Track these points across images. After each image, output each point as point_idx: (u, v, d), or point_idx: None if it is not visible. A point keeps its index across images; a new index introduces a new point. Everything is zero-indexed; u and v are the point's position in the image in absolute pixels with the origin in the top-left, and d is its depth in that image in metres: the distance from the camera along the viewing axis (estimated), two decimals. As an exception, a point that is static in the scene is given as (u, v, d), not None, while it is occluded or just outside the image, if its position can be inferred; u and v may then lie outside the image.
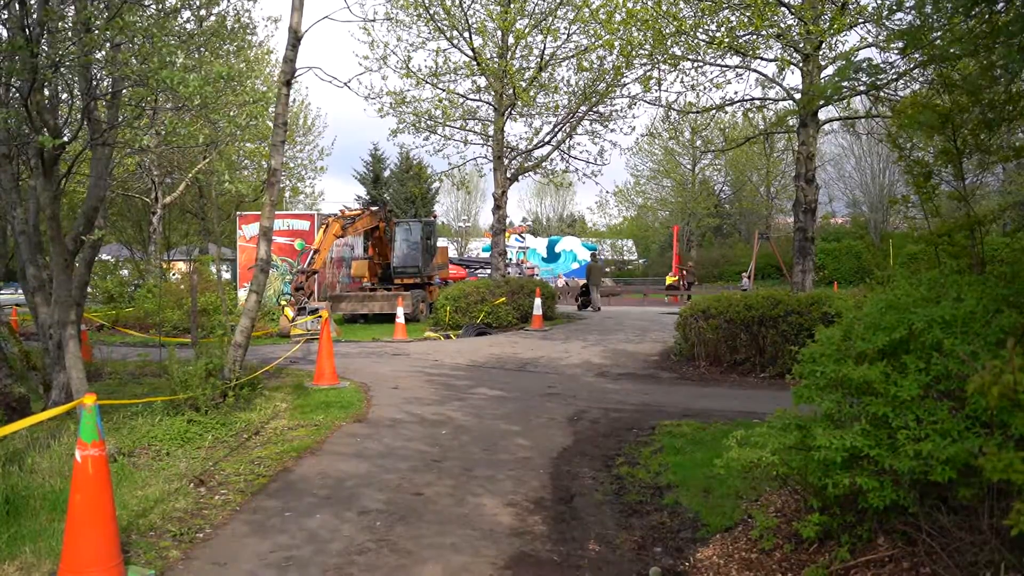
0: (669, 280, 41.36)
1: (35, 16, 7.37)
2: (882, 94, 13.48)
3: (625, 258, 60.92)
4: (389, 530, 5.52)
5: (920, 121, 4.90)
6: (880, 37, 12.85)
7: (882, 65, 5.10)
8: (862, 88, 6.55)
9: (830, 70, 14.40)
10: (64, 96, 8.47)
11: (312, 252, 20.66)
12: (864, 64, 5.14)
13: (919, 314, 4.28)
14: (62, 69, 7.31)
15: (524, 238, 58.02)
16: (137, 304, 23.04)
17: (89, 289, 28.95)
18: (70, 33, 7.60)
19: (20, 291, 19.00)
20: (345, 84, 9.84)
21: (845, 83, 5.50)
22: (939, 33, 5.35)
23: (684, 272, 38.39)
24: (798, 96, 14.62)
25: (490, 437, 8.39)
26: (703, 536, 5.35)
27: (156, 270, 27.76)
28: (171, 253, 34.92)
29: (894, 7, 5.72)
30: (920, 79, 8.37)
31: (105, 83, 8.29)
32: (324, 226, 21.17)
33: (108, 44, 7.89)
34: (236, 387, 9.35)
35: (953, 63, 5.44)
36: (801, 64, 14.34)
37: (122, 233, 33.54)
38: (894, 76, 6.66)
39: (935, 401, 4.02)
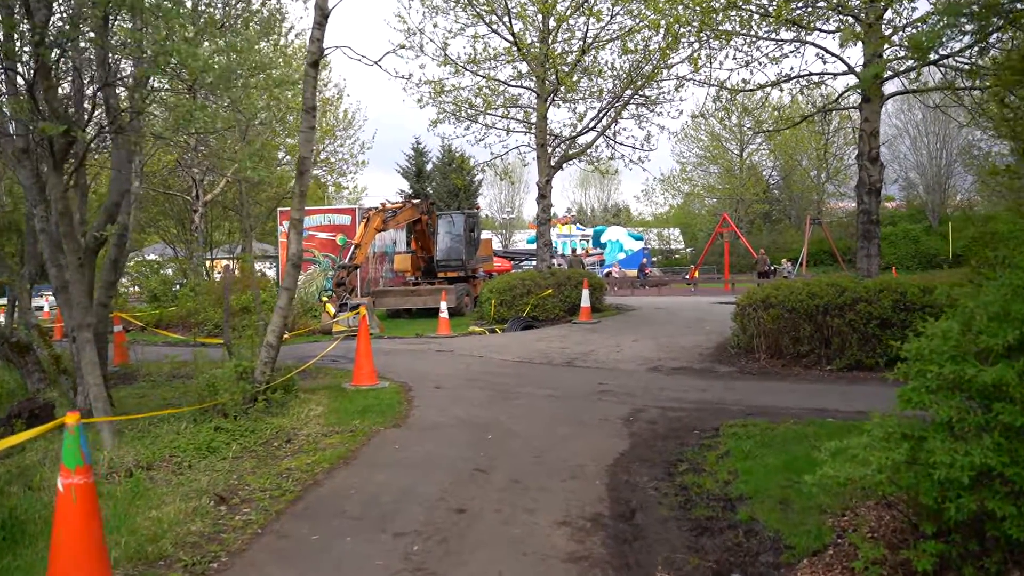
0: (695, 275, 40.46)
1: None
2: (953, 62, 12.51)
3: (672, 247, 59.83)
4: (427, 556, 4.87)
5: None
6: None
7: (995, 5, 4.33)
8: (967, 31, 5.72)
9: (895, 39, 13.45)
10: (73, 84, 7.97)
11: (353, 247, 20.23)
12: (970, 8, 4.34)
13: (1059, 302, 3.51)
14: (68, 52, 6.78)
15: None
16: (180, 303, 22.86)
17: (136, 289, 28.96)
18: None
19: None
20: (376, 63, 9.23)
21: (948, 29, 4.71)
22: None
23: (759, 260, 37.30)
24: (860, 70, 13.66)
25: (539, 442, 7.72)
26: (788, 560, 4.63)
27: (197, 268, 27.62)
28: (214, 251, 34.83)
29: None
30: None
31: (122, 64, 7.77)
32: (365, 220, 20.74)
33: (104, 20, 7.34)
34: (267, 390, 8.81)
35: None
36: (863, 35, 13.37)
37: (166, 232, 33.52)
38: (999, 24, 5.85)
39: (1089, 409, 3.26)
